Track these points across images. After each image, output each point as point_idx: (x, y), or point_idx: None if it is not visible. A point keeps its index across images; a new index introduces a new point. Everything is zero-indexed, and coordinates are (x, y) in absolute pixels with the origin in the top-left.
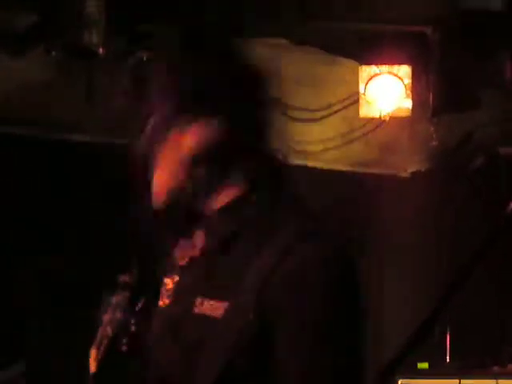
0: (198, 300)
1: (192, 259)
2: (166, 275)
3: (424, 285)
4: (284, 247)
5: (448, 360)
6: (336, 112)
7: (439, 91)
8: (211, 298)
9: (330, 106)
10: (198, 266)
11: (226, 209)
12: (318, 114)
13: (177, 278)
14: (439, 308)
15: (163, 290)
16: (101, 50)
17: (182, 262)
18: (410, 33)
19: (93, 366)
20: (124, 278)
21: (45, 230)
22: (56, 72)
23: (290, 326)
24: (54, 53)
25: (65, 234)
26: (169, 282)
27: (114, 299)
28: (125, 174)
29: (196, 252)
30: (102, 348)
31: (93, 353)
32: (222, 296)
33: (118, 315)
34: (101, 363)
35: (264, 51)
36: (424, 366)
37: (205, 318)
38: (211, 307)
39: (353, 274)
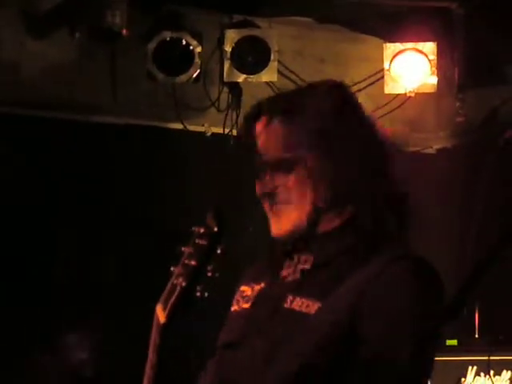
0: (289, 297)
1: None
2: (244, 284)
3: (447, 261)
4: (378, 267)
5: (477, 336)
6: (361, 89)
7: (464, 67)
8: (304, 296)
9: (354, 83)
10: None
11: (329, 234)
12: None
13: (262, 285)
14: (469, 285)
15: (238, 297)
16: (124, 32)
17: (294, 276)
18: (435, 9)
19: (162, 317)
20: (199, 229)
21: (64, 211)
22: (79, 54)
23: (377, 321)
24: (77, 35)
25: (85, 212)
26: (247, 290)
27: (187, 250)
28: (149, 155)
29: (297, 273)
30: (173, 298)
31: (160, 306)
32: (314, 297)
33: (193, 263)
34: (172, 313)
35: (288, 29)
36: (453, 342)
37: (294, 313)
38: (302, 304)
39: (437, 291)
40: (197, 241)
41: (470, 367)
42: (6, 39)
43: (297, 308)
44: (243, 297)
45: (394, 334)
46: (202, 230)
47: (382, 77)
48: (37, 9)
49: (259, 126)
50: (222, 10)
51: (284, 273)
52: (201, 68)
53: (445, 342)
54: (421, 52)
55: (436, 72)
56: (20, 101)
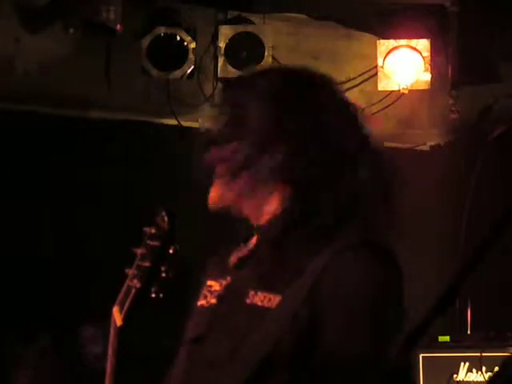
0: (251, 292)
1: (240, 259)
2: (211, 278)
3: (441, 260)
4: (337, 252)
5: (469, 333)
6: (355, 86)
7: (458, 64)
8: (264, 291)
9: (348, 80)
10: (251, 265)
11: (279, 216)
12: None
13: (228, 280)
14: (460, 281)
15: (206, 292)
16: (118, 27)
17: (232, 264)
18: (429, 6)
19: (118, 320)
20: (150, 230)
21: (58, 207)
22: (74, 49)
23: (338, 317)
24: (71, 30)
25: (78, 210)
26: (215, 284)
27: (140, 251)
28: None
29: (244, 252)
30: (128, 300)
31: (116, 308)
32: (275, 290)
33: (147, 264)
34: (127, 316)
35: (282, 26)
36: (445, 338)
37: (257, 308)
38: (264, 299)
39: (394, 276)
40: (148, 241)
41: (462, 363)
42: (1, 34)
43: (259, 303)
44: (211, 292)
45: (351, 327)
46: (153, 231)
47: (376, 73)
48: (32, 4)
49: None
50: (216, 6)
51: (233, 256)
52: (195, 64)
53: (437, 339)
54: (414, 49)
55: (429, 69)
56: (14, 96)
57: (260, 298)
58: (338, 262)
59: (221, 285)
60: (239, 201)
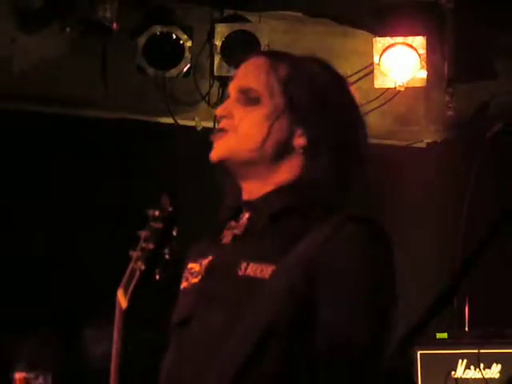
0: (243, 264)
1: (236, 236)
2: (191, 261)
3: (439, 261)
4: (336, 226)
5: (467, 330)
6: (351, 84)
7: (454, 61)
8: (257, 261)
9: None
10: (243, 240)
11: (278, 191)
12: None
13: (210, 258)
14: (458, 278)
15: (187, 274)
16: (114, 26)
17: (227, 240)
18: (425, 3)
19: (123, 303)
20: (154, 212)
21: (57, 205)
22: (70, 48)
23: (333, 288)
24: (68, 29)
25: (76, 209)
26: (195, 266)
27: (144, 233)
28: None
29: (240, 229)
30: (133, 282)
31: (121, 291)
32: (268, 260)
33: (151, 246)
34: (133, 298)
35: (278, 24)
36: (443, 336)
37: (250, 279)
38: (257, 270)
39: (391, 254)
40: (152, 224)
41: (460, 360)
42: None
43: (252, 274)
44: (192, 273)
45: (352, 307)
46: (157, 213)
47: (372, 71)
48: (28, 4)
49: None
50: (212, 5)
51: (225, 235)
52: (191, 62)
53: (435, 335)
54: (410, 46)
55: (426, 66)
56: (11, 95)
57: (253, 269)
58: (340, 234)
59: (201, 265)
60: (252, 159)
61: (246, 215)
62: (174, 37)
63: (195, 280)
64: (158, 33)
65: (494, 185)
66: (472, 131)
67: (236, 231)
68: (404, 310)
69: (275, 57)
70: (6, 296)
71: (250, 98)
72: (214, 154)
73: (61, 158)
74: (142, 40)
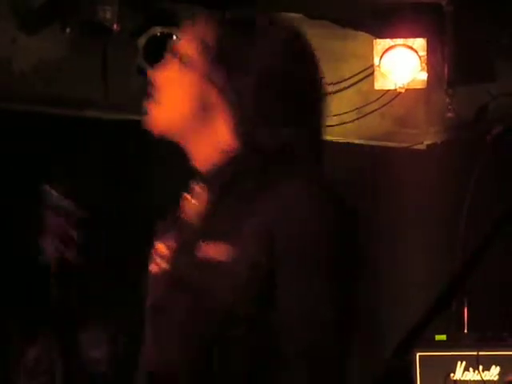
0: (201, 244)
1: (191, 212)
2: (158, 240)
3: (438, 262)
4: (288, 194)
5: (466, 332)
6: (351, 85)
7: (454, 63)
8: (215, 239)
9: (344, 79)
10: (199, 214)
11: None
12: (333, 88)
13: (173, 239)
14: (457, 280)
15: (155, 255)
16: (115, 27)
17: (186, 216)
18: (425, 5)
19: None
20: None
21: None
22: (71, 49)
23: (292, 265)
24: (68, 30)
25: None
26: (161, 247)
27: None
28: (136, 150)
29: (195, 204)
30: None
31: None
32: (225, 237)
33: None
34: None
35: None
36: (442, 337)
37: (209, 261)
38: (215, 248)
39: (352, 224)
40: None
41: (459, 362)
42: None
43: (211, 254)
44: (161, 256)
45: (313, 281)
46: None
47: (372, 73)
48: (28, 4)
49: None
50: (213, 7)
51: (183, 210)
52: None
53: (434, 338)
54: (411, 48)
55: (426, 68)
56: (11, 96)
57: (211, 248)
58: (293, 203)
59: (168, 247)
60: (184, 125)
61: (198, 187)
62: (175, 38)
63: (164, 265)
64: (159, 34)
65: (494, 187)
66: (472, 133)
67: (191, 204)
68: (403, 311)
69: None
70: (6, 296)
71: None
72: None
73: (61, 158)
74: (142, 41)
